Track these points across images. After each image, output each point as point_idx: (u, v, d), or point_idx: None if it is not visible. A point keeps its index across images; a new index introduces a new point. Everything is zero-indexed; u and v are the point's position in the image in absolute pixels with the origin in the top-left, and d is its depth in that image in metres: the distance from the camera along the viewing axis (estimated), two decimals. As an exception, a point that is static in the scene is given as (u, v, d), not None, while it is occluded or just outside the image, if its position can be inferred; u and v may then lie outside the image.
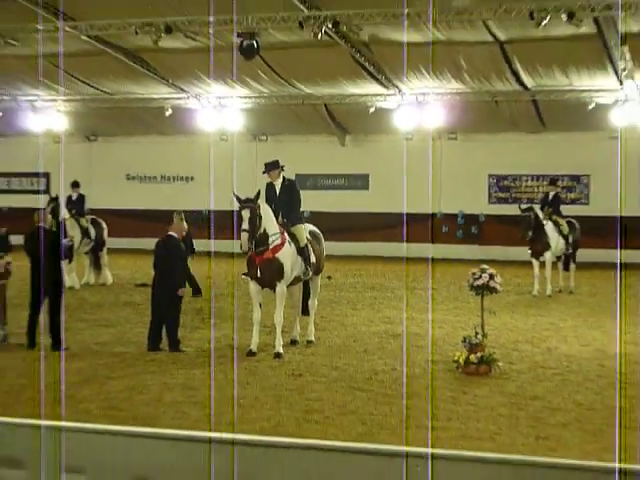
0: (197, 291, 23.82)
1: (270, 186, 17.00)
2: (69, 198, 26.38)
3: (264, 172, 17.11)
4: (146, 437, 6.16)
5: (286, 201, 16.85)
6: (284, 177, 17.15)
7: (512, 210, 26.13)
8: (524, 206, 25.68)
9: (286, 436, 9.66)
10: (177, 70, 32.40)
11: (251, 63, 27.51)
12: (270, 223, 16.08)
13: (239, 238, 15.77)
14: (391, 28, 26.90)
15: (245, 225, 15.60)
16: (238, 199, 15.87)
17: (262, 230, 15.86)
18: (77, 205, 26.25)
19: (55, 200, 25.70)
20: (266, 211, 16.08)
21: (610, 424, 11.71)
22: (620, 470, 5.32)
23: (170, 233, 17.48)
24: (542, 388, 13.82)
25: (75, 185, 26.87)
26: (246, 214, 15.63)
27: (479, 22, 26.02)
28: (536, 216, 24.81)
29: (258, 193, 15.93)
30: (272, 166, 17.05)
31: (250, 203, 15.71)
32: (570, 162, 34.67)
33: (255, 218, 15.63)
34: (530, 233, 24.64)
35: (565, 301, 23.73)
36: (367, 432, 11.32)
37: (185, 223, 20.16)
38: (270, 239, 15.99)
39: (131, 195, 38.95)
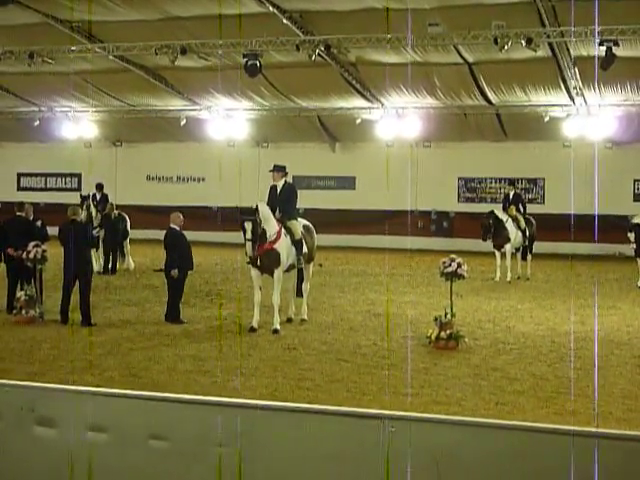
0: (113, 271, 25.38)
1: (273, 188, 17.02)
2: (94, 196, 26.25)
3: (271, 171, 17.13)
4: (161, 401, 6.15)
5: (284, 200, 16.83)
6: (285, 180, 17.16)
7: (478, 208, 26.10)
8: (486, 214, 25.45)
9: (282, 401, 9.66)
10: (191, 85, 32.39)
11: (255, 80, 27.48)
12: (269, 224, 16.06)
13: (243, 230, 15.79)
14: (375, 51, 26.96)
15: (248, 235, 15.65)
16: (241, 212, 15.88)
17: (262, 230, 15.86)
18: (102, 203, 26.15)
19: (87, 198, 25.62)
20: (265, 215, 16.05)
21: (559, 392, 11.74)
22: (569, 431, 5.33)
23: (171, 225, 17.66)
24: (502, 361, 13.81)
25: (99, 187, 26.71)
26: (248, 226, 15.65)
27: (450, 46, 26.07)
28: (496, 217, 24.71)
29: (257, 207, 15.87)
30: (278, 168, 17.09)
31: (251, 216, 15.71)
32: (528, 167, 34.61)
33: (256, 228, 15.65)
34: (489, 236, 24.60)
35: (522, 286, 23.71)
36: (351, 397, 11.31)
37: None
38: (268, 234, 16.00)
39: (151, 193, 38.83)
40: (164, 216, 29.25)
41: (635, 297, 21.64)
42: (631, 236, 23.31)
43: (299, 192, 17.82)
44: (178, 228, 17.54)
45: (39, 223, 18.63)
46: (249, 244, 15.63)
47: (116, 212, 25.88)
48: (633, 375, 12.91)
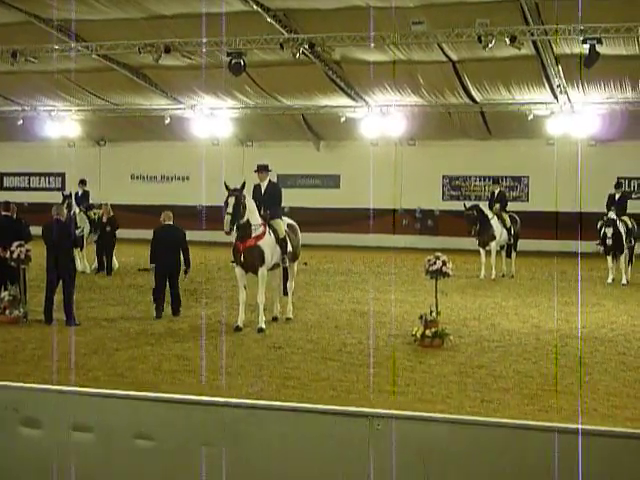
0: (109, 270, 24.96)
1: (257, 186, 17.03)
2: (75, 194, 26.23)
3: (255, 171, 17.15)
4: (146, 400, 6.15)
5: (269, 199, 16.84)
6: (270, 179, 17.19)
7: (462, 206, 26.14)
8: (468, 204, 25.72)
9: (267, 400, 9.66)
10: (175, 84, 32.33)
11: (239, 79, 27.44)
12: (253, 215, 16.07)
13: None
14: (359, 49, 26.98)
15: (229, 209, 15.57)
16: (227, 188, 15.83)
17: (245, 220, 15.84)
18: (82, 200, 26.09)
19: (68, 197, 25.54)
20: (251, 204, 16.08)
21: (544, 389, 11.78)
22: (553, 428, 5.35)
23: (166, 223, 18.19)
24: (487, 358, 13.84)
25: (82, 182, 26.69)
26: (232, 200, 15.61)
27: (434, 44, 26.09)
28: (481, 212, 24.83)
29: (243, 184, 15.88)
30: (263, 168, 17.13)
31: (237, 192, 15.70)
32: (512, 165, 34.68)
33: (239, 205, 15.61)
34: (475, 228, 24.69)
35: (507, 284, 23.77)
36: (337, 396, 11.31)
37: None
38: (252, 228, 15.99)
39: (135, 192, 38.74)
40: (148, 215, 29.31)
41: (619, 294, 21.73)
42: (609, 231, 23.39)
43: (284, 191, 17.85)
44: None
45: (23, 222, 18.56)
46: (228, 217, 15.53)
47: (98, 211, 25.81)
48: (617, 372, 12.95)
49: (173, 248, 17.71)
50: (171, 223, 18.22)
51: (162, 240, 17.77)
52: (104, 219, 24.91)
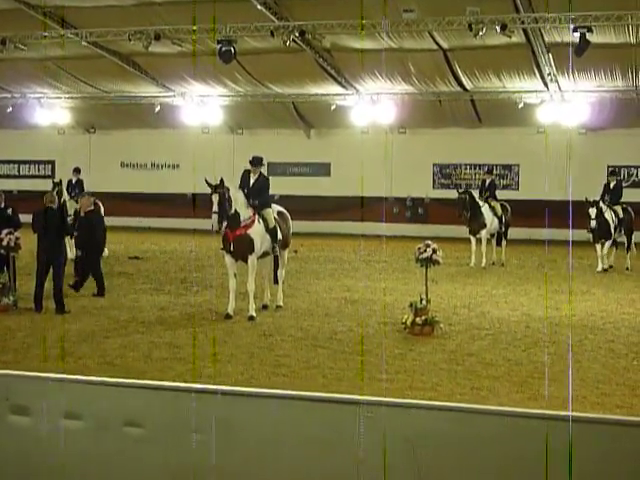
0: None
1: (247, 173, 16.94)
2: (69, 182, 26.17)
3: (250, 162, 17.05)
4: (137, 388, 6.13)
5: (257, 190, 16.76)
6: (260, 172, 17.15)
7: (453, 194, 26.20)
8: (461, 190, 25.82)
9: (258, 387, 9.66)
10: (165, 72, 32.24)
11: (229, 66, 27.39)
12: (242, 207, 16.07)
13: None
14: (350, 37, 26.94)
15: (215, 208, 15.63)
16: (209, 185, 15.84)
17: (233, 211, 15.83)
18: (76, 188, 26.01)
19: (59, 184, 25.45)
20: (237, 196, 16.06)
21: (534, 377, 11.80)
22: (543, 415, 5.36)
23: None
24: (477, 346, 13.87)
25: (77, 171, 26.66)
26: (215, 198, 15.65)
27: (425, 32, 26.08)
28: (472, 198, 24.85)
29: (222, 180, 15.85)
30: (258, 162, 17.03)
31: (218, 189, 15.69)
32: (502, 153, 34.73)
33: (224, 201, 15.64)
34: (466, 212, 24.71)
35: (497, 272, 23.81)
36: (327, 383, 11.32)
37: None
38: (241, 218, 15.98)
39: (125, 180, 38.63)
40: (138, 203, 29.31)
41: (609, 282, 21.79)
42: (592, 212, 23.36)
43: (275, 179, 17.90)
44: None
45: (9, 211, 18.53)
46: (215, 216, 15.63)
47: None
48: (607, 360, 13.00)
49: (93, 232, 18.90)
50: (92, 208, 19.43)
51: (83, 225, 19.06)
52: (81, 213, 21.47)
